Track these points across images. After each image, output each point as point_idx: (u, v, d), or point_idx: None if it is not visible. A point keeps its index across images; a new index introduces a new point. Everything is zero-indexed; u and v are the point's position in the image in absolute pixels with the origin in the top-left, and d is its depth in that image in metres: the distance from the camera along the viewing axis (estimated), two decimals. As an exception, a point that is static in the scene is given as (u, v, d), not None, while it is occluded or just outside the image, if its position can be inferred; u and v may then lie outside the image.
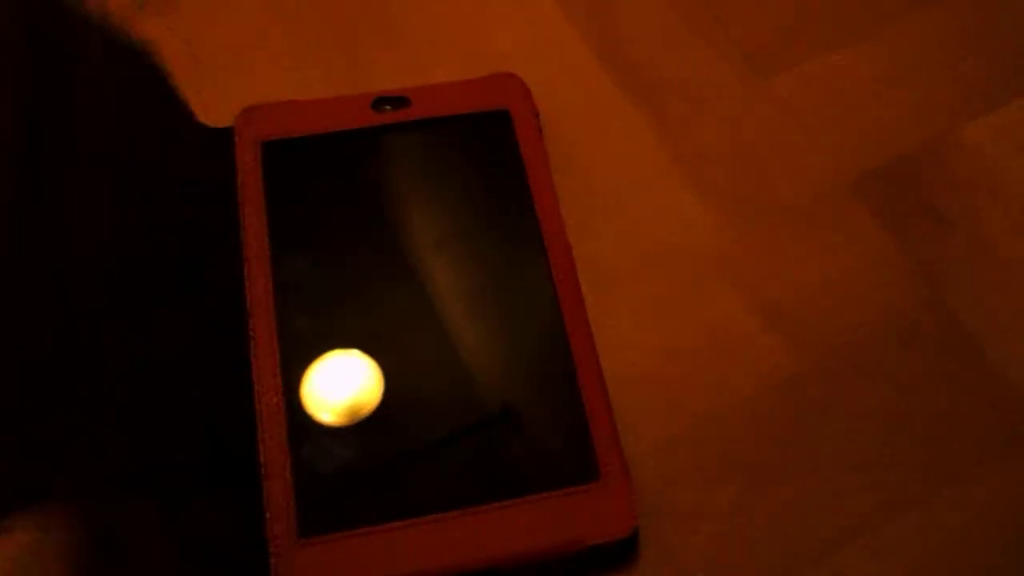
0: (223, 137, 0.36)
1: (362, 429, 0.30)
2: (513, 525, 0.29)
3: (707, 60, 0.40)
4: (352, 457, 0.30)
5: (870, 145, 0.38)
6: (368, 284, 0.33)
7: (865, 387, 0.33)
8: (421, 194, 0.35)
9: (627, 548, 0.30)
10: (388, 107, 0.37)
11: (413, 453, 0.30)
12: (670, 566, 0.30)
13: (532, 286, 0.33)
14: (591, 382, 0.31)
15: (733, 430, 0.32)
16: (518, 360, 0.32)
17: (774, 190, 0.37)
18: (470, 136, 0.36)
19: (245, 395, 0.31)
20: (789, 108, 0.39)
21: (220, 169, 0.35)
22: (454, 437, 0.30)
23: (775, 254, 0.36)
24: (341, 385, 0.31)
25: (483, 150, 0.36)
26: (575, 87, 0.39)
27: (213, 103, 0.38)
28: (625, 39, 0.40)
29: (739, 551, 0.30)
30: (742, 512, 0.31)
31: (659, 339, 0.34)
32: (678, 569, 0.30)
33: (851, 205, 0.37)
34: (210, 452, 0.31)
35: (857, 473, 0.32)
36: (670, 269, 0.35)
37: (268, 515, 0.29)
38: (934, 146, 0.38)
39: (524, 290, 0.33)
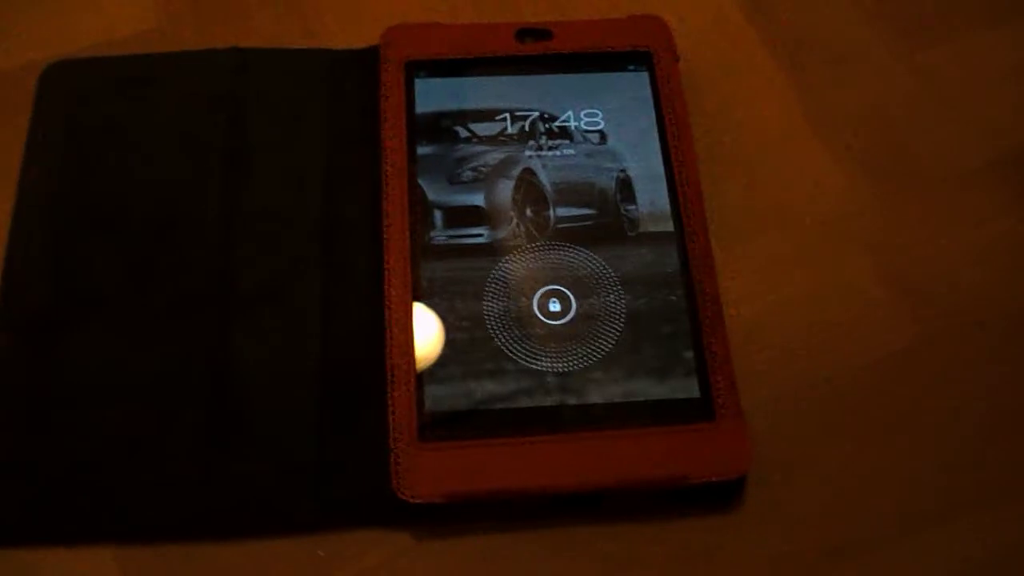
0: (365, 56, 0.37)
1: (482, 346, 0.31)
2: (625, 453, 0.29)
3: (855, 24, 0.39)
4: (471, 371, 0.30)
5: (1016, 127, 0.37)
6: (497, 215, 0.33)
7: (984, 368, 0.33)
8: (555, 127, 0.35)
9: (733, 492, 0.30)
10: (530, 38, 0.37)
11: (532, 373, 0.31)
12: (773, 515, 0.30)
13: (660, 227, 0.33)
14: (713, 326, 0.31)
15: (847, 393, 0.32)
16: (642, 297, 0.32)
17: (912, 161, 0.37)
18: (610, 72, 0.36)
19: (370, 304, 0.32)
20: (936, 81, 0.38)
21: (361, 86, 0.36)
22: (572, 363, 0.31)
23: (907, 225, 0.35)
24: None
25: (621, 88, 0.36)
26: (717, 37, 0.39)
27: (354, 22, 0.39)
28: None
29: (842, 510, 0.31)
30: (848, 473, 0.31)
31: (780, 297, 0.34)
32: (782, 519, 0.30)
33: (991, 184, 0.36)
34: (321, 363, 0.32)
35: (966, 450, 0.32)
36: (797, 228, 0.35)
37: (392, 419, 0.30)
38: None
39: (650, 231, 0.33)
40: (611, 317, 0.32)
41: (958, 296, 0.34)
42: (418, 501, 0.29)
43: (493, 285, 0.32)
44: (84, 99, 0.36)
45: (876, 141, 0.37)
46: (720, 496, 0.31)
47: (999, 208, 0.36)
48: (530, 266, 0.32)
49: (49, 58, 0.37)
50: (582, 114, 0.35)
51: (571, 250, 0.33)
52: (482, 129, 0.35)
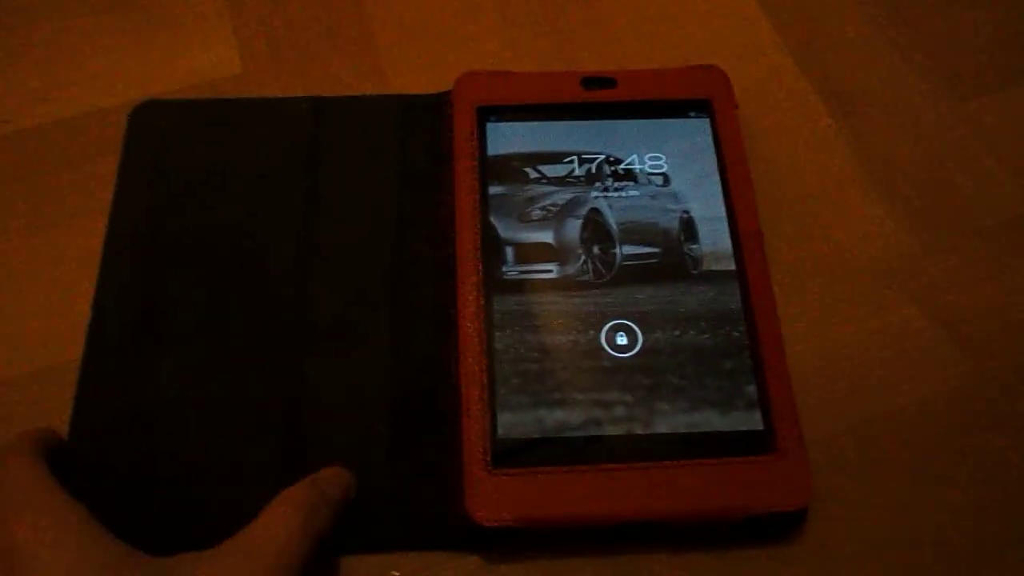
0: (436, 102, 0.39)
1: (552, 377, 0.32)
2: (689, 484, 0.30)
3: (906, 75, 0.41)
4: (541, 401, 0.32)
5: None
6: (561, 245, 0.35)
7: None
8: (619, 171, 0.37)
9: (793, 524, 0.31)
10: (595, 86, 0.39)
11: (600, 404, 0.32)
12: (833, 548, 0.31)
13: (722, 266, 0.34)
14: (775, 361, 0.32)
15: (901, 431, 0.33)
16: (705, 332, 0.33)
17: (962, 209, 0.38)
18: (671, 120, 0.38)
19: (442, 337, 0.33)
20: (984, 132, 0.40)
21: (432, 131, 0.38)
22: (638, 395, 0.32)
23: (957, 270, 0.37)
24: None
25: (683, 134, 0.38)
26: (772, 86, 0.41)
27: (425, 71, 0.41)
28: (825, 48, 0.42)
29: (900, 544, 0.31)
30: (905, 507, 0.32)
31: (832, 336, 0.35)
32: (841, 551, 0.31)
33: None
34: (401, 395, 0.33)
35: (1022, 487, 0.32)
36: (850, 272, 0.37)
37: (465, 445, 0.31)
38: None
39: (712, 269, 0.34)
40: (675, 351, 0.33)
41: (1007, 339, 0.35)
42: (490, 524, 0.30)
43: (562, 319, 0.34)
44: (171, 138, 0.38)
45: (926, 188, 0.38)
46: (781, 528, 0.31)
47: None
48: (597, 301, 0.34)
49: (141, 97, 0.39)
50: (646, 158, 0.37)
51: (637, 286, 0.34)
52: (551, 171, 0.37)
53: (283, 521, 0.28)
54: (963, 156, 0.39)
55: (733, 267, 0.34)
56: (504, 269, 0.34)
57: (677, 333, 0.33)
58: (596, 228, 0.35)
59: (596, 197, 0.36)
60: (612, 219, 0.36)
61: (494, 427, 0.31)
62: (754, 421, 0.31)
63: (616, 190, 0.36)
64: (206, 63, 0.41)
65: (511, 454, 0.31)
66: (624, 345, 0.33)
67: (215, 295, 0.35)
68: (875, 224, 0.38)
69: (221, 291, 0.35)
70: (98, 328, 0.34)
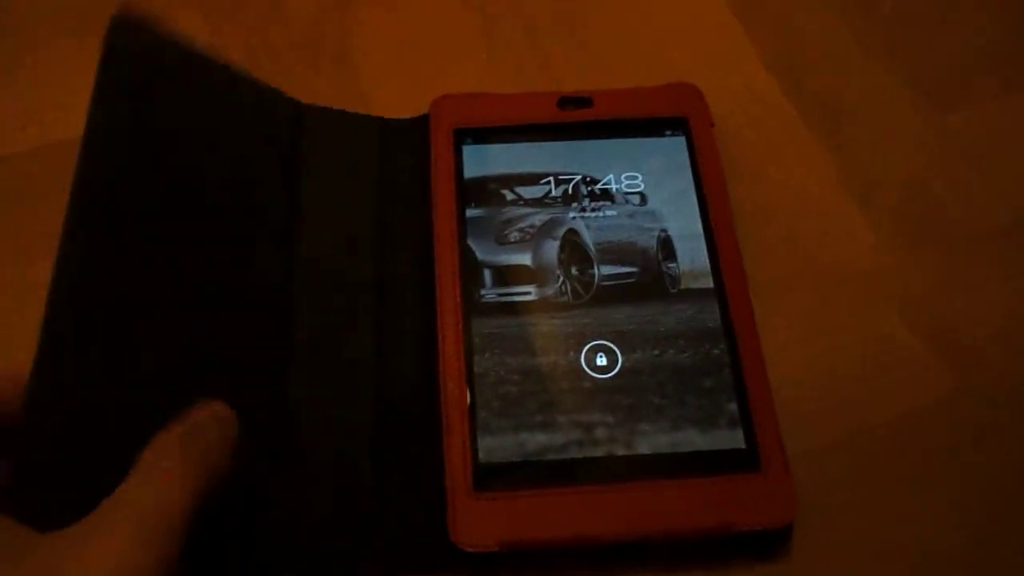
0: (415, 125, 0.39)
1: (532, 399, 0.32)
2: (672, 503, 0.30)
3: (885, 89, 0.41)
4: (522, 424, 0.32)
5: None
6: (539, 266, 0.35)
7: (1018, 416, 0.34)
8: (596, 192, 0.37)
9: (779, 541, 0.31)
10: (571, 106, 0.39)
11: (581, 425, 0.32)
12: (818, 563, 0.31)
13: (700, 284, 0.34)
14: (756, 378, 0.32)
15: (886, 445, 0.33)
16: (685, 351, 0.33)
17: (943, 220, 0.38)
18: (647, 139, 0.38)
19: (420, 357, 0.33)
20: (964, 143, 0.40)
21: (411, 153, 0.38)
22: (619, 415, 0.32)
23: (937, 280, 0.37)
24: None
25: (659, 153, 0.38)
26: (751, 103, 0.41)
27: (404, 93, 0.41)
28: (805, 63, 0.42)
29: (885, 557, 0.31)
30: (890, 521, 0.32)
31: (816, 350, 0.35)
32: (826, 567, 0.31)
33: (1019, 241, 0.37)
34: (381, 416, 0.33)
35: (1004, 499, 0.32)
36: (833, 286, 0.36)
37: (447, 469, 0.31)
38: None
39: (691, 288, 0.34)
40: (655, 370, 0.33)
41: (992, 351, 0.35)
42: (473, 549, 0.30)
43: (541, 341, 0.33)
44: (150, 82, 0.31)
45: (906, 200, 0.39)
46: (766, 544, 0.31)
47: None
48: (576, 322, 0.34)
49: None
50: (623, 177, 0.37)
51: (615, 307, 0.34)
52: (527, 192, 0.37)
53: (161, 469, 0.23)
54: (943, 168, 0.39)
55: (712, 285, 0.34)
56: (483, 292, 0.34)
57: (656, 352, 0.33)
58: (574, 249, 0.35)
59: (573, 218, 0.36)
60: (589, 239, 0.36)
61: (475, 451, 0.31)
62: (736, 439, 0.31)
63: (593, 210, 0.36)
64: None
65: (493, 478, 0.31)
66: (604, 366, 0.33)
67: (191, 293, 0.30)
68: (857, 238, 0.38)
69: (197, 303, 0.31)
70: (58, 319, 0.26)
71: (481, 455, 0.31)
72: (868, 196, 0.39)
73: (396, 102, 0.40)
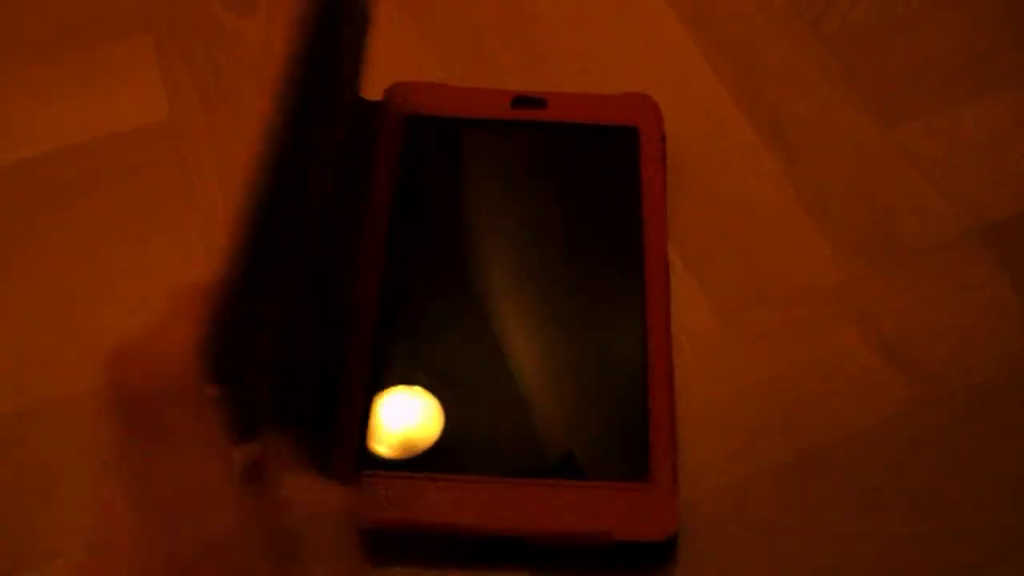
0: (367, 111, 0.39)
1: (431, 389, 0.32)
2: (555, 503, 0.30)
3: (837, 102, 0.41)
4: (417, 408, 0.32)
5: (994, 197, 0.38)
6: (468, 274, 0.35)
7: (980, 431, 0.33)
8: (537, 196, 0.37)
9: (662, 554, 0.31)
10: (526, 106, 0.39)
11: (474, 416, 0.32)
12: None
13: (622, 298, 0.34)
14: (660, 389, 0.32)
15: (847, 460, 0.33)
16: (595, 361, 0.33)
17: (897, 232, 0.38)
18: (596, 147, 0.38)
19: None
20: (915, 155, 0.40)
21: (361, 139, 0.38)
22: (513, 411, 0.32)
23: (895, 294, 0.36)
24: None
25: (605, 163, 0.38)
26: (705, 117, 0.41)
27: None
28: (756, 76, 0.42)
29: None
30: (846, 542, 0.31)
31: (771, 367, 0.35)
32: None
33: (977, 253, 0.37)
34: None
35: (973, 512, 0.32)
36: (788, 300, 0.36)
37: (334, 447, 0.31)
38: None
39: (613, 300, 0.34)
40: (562, 370, 0.33)
41: (951, 361, 0.35)
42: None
43: (453, 329, 0.34)
44: None
45: (861, 213, 0.38)
46: (654, 555, 0.31)
47: (980, 275, 0.37)
48: (491, 315, 0.34)
49: (62, 147, 0.40)
50: (564, 179, 0.37)
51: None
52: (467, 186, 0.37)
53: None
54: (895, 180, 0.39)
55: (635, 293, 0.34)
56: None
57: (565, 352, 0.33)
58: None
59: (506, 212, 0.36)
60: (521, 233, 0.36)
61: (363, 431, 0.31)
62: (629, 446, 0.31)
63: (528, 207, 0.36)
64: (132, 109, 0.41)
65: (378, 458, 0.31)
66: (510, 360, 0.33)
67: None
68: (811, 251, 0.37)
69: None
70: None
71: (368, 434, 0.31)
72: (822, 210, 0.38)
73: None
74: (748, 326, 0.36)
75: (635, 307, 0.34)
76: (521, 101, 0.39)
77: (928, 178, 0.39)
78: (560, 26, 0.44)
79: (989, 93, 0.41)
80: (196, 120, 0.41)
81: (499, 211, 0.36)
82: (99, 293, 0.37)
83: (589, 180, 0.37)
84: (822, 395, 0.34)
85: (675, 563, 0.31)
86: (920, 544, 0.31)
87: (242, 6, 0.44)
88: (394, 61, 0.41)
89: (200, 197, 0.39)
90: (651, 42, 0.43)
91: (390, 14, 0.43)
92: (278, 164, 0.25)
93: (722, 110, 0.41)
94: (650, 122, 0.38)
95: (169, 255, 0.38)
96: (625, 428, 0.31)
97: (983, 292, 0.36)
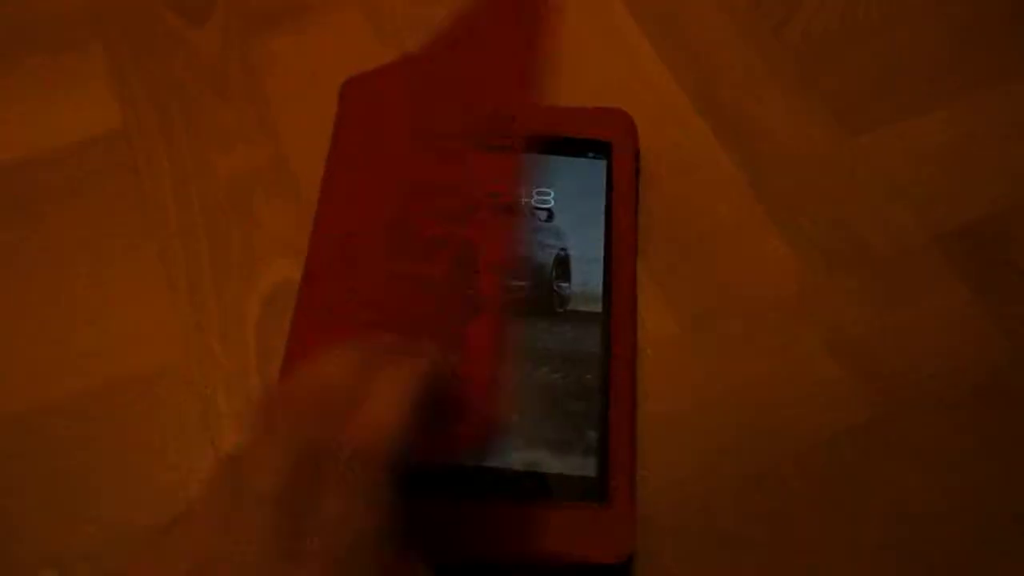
0: None
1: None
2: (511, 524, 0.30)
3: (800, 113, 0.41)
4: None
5: (955, 204, 0.38)
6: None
7: (941, 436, 0.33)
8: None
9: (624, 573, 0.30)
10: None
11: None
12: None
13: (588, 307, 0.34)
14: (622, 409, 0.32)
15: (811, 471, 0.33)
16: (558, 372, 0.33)
17: (858, 240, 0.38)
18: (569, 158, 0.37)
19: None
20: (875, 164, 0.40)
21: None
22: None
23: (857, 302, 0.36)
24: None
25: (577, 173, 0.37)
26: (671, 128, 0.40)
27: (319, 120, 0.39)
28: (719, 87, 0.42)
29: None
30: (817, 550, 0.31)
31: (738, 377, 0.35)
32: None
33: (935, 260, 0.37)
34: None
35: (939, 520, 0.32)
36: (754, 310, 0.36)
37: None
38: (1020, 207, 0.38)
39: (579, 310, 0.34)
40: (524, 387, 0.32)
41: (912, 367, 0.35)
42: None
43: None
44: None
45: (825, 222, 0.38)
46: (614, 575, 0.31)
47: (942, 283, 0.37)
48: (456, 328, 0.33)
49: (17, 157, 0.39)
50: (534, 191, 0.37)
51: (499, 318, 0.34)
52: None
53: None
54: (858, 189, 0.39)
55: (600, 310, 0.34)
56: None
57: (529, 369, 0.33)
58: (467, 255, 0.35)
59: (475, 224, 0.36)
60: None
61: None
62: (588, 467, 0.31)
63: (496, 220, 0.36)
64: (86, 119, 0.41)
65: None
66: (472, 376, 0.32)
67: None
68: (777, 260, 0.37)
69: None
70: None
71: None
72: (787, 219, 0.38)
73: (307, 133, 0.39)
74: (712, 335, 0.35)
75: (599, 325, 0.34)
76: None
77: (887, 185, 0.39)
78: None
79: (951, 101, 0.41)
80: (149, 129, 0.41)
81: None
82: (53, 302, 0.36)
83: (561, 187, 0.37)
84: (786, 404, 0.34)
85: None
86: (887, 554, 0.31)
87: (195, 14, 0.44)
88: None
89: (152, 205, 0.39)
90: (613, 51, 0.43)
91: (356, 25, 0.43)
92: None
93: (687, 120, 0.41)
94: (624, 137, 0.38)
95: (123, 262, 0.37)
96: (586, 447, 0.31)
97: (945, 299, 0.36)
